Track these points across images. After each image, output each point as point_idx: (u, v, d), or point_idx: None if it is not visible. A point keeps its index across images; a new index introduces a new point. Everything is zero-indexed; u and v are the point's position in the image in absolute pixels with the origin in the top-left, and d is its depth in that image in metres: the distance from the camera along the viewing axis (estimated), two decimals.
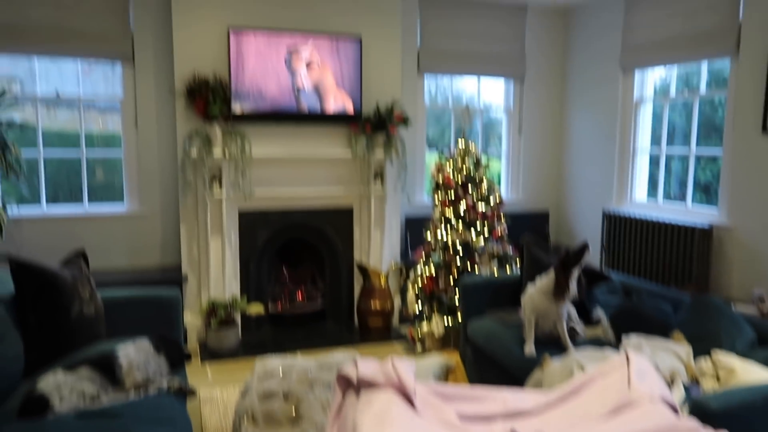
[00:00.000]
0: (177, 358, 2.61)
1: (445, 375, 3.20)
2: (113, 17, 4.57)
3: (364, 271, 4.86)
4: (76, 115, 4.77)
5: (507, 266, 4.29)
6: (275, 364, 2.84)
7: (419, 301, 4.37)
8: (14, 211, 4.38)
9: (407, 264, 4.98)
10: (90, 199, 4.83)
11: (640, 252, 4.94)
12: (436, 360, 3.23)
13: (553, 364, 2.64)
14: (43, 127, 4.67)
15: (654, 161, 5.25)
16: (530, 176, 6.04)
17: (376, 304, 4.80)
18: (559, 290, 2.89)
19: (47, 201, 4.72)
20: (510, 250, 4.34)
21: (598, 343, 2.99)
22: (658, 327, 2.91)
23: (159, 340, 2.57)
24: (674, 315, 3.03)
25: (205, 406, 3.47)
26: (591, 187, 5.70)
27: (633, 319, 3.01)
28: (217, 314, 4.34)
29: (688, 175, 4.82)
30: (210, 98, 4.33)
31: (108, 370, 2.32)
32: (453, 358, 3.46)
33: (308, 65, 4.60)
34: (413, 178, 5.48)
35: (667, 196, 5.13)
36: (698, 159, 4.84)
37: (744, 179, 4.28)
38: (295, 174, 4.72)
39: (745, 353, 2.58)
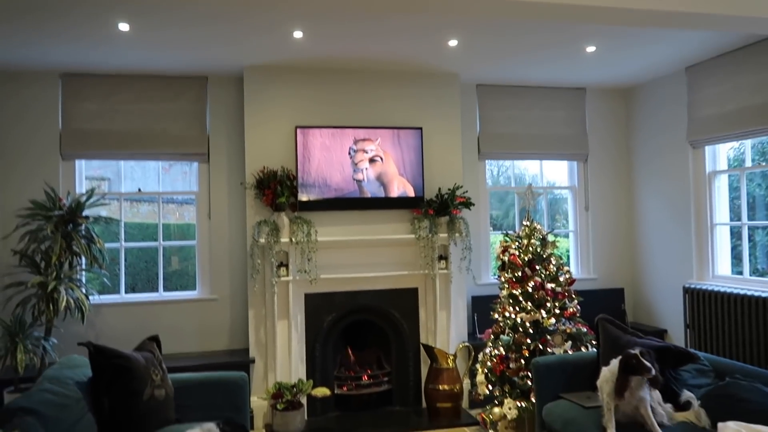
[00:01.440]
0: None
1: None
2: (192, 122, 4.96)
3: (430, 351, 4.73)
4: (156, 209, 5.10)
5: (581, 346, 4.06)
6: None
7: (489, 383, 4.17)
8: (95, 298, 4.64)
9: (475, 344, 4.82)
10: (164, 285, 5.05)
11: (729, 329, 4.57)
12: None
13: None
14: (125, 220, 5.00)
15: (735, 233, 4.96)
16: (601, 253, 5.83)
17: (444, 386, 4.63)
18: (617, 389, 2.80)
19: (126, 288, 4.97)
20: (584, 329, 4.13)
21: (690, 428, 2.73)
22: (758, 412, 2.63)
23: (225, 423, 2.56)
24: None
25: None
26: (668, 263, 5.42)
27: (729, 403, 2.76)
28: (283, 397, 4.30)
29: None
30: (278, 190, 4.55)
31: None
32: None
33: (371, 160, 4.77)
34: (478, 258, 5.41)
35: (754, 269, 4.79)
36: None
37: None
38: (360, 257, 4.77)
39: None
